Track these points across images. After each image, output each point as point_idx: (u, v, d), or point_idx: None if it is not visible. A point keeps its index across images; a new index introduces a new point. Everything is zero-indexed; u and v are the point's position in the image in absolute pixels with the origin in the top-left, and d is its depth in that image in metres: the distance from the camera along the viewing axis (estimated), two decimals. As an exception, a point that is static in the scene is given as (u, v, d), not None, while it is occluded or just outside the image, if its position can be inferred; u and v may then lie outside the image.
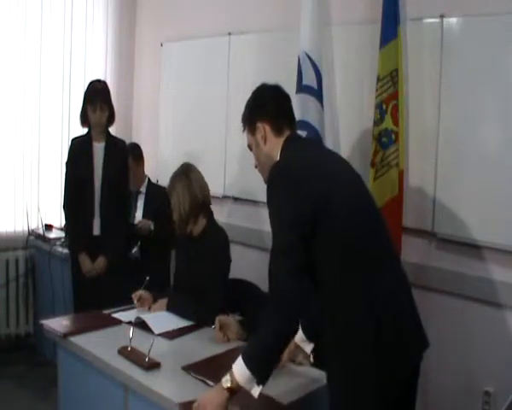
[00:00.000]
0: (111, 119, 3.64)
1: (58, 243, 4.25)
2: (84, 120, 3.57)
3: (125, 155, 3.77)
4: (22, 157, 4.52)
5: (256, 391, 1.81)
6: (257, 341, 1.87)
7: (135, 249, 3.90)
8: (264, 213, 4.05)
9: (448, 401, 3.14)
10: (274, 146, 2.09)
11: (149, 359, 2.27)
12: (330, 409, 1.93)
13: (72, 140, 3.67)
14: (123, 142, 3.78)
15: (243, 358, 1.82)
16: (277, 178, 1.97)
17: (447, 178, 3.09)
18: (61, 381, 2.72)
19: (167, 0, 4.90)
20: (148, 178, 4.24)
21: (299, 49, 3.41)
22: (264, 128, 2.10)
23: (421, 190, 3.18)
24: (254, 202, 4.01)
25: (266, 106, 2.14)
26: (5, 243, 4.45)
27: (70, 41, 4.74)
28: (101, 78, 4.91)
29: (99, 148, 3.58)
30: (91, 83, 3.64)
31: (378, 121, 3.12)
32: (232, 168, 4.18)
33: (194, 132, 4.59)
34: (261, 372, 1.82)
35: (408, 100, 3.18)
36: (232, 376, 1.82)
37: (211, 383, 2.13)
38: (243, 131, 2.23)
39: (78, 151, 3.56)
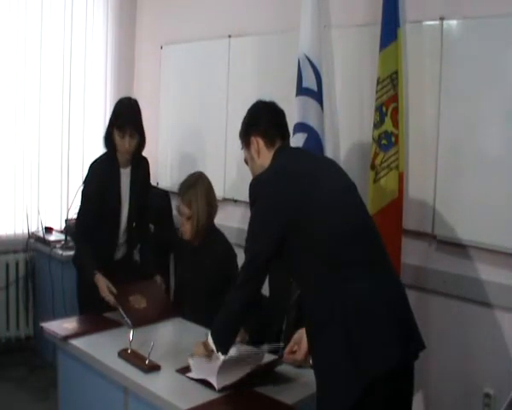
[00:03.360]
0: (141, 145, 3.13)
1: (58, 245, 4.24)
2: (110, 143, 3.07)
3: (148, 174, 3.32)
4: (22, 160, 4.52)
5: (220, 356, 2.18)
6: (216, 323, 2.21)
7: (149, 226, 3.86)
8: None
9: (448, 403, 3.13)
10: (266, 158, 2.23)
11: (149, 361, 2.28)
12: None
13: (94, 164, 3.15)
14: (146, 160, 3.27)
15: (211, 331, 2.21)
16: (254, 191, 2.12)
17: (447, 180, 3.09)
18: (60, 383, 2.73)
19: (167, 2, 4.91)
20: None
21: (299, 51, 3.41)
22: (257, 142, 2.24)
23: (421, 192, 3.18)
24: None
25: (259, 120, 2.28)
26: (5, 245, 4.45)
27: (70, 44, 4.74)
28: (102, 81, 4.97)
29: (125, 174, 3.13)
30: (120, 102, 3.14)
31: (378, 124, 3.11)
32: (232, 170, 4.18)
33: (194, 135, 4.59)
34: (219, 347, 2.17)
35: (408, 102, 3.18)
36: (208, 341, 2.21)
37: (212, 382, 2.14)
38: (241, 148, 2.36)
39: (104, 179, 3.08)
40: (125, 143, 3.00)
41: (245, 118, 2.35)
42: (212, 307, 2.81)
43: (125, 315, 2.79)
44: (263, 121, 2.26)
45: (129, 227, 3.19)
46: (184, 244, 3.11)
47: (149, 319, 2.83)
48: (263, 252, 2.06)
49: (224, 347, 2.18)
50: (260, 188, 2.11)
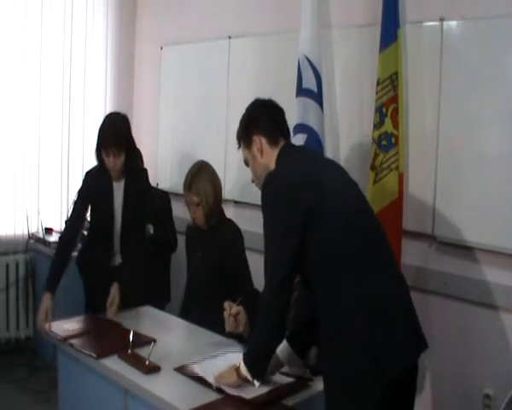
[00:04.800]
0: (132, 159, 3.13)
1: (58, 246, 4.25)
2: (100, 159, 3.08)
3: (145, 187, 3.29)
4: (22, 161, 4.53)
5: (256, 383, 2.09)
6: (249, 346, 2.13)
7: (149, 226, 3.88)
8: (265, 216, 4.01)
9: (448, 404, 3.14)
10: (270, 157, 2.18)
11: (149, 362, 2.27)
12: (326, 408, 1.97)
13: (88, 173, 3.20)
14: (142, 173, 3.29)
15: (243, 357, 2.10)
16: (270, 189, 2.06)
17: (447, 181, 3.09)
18: (61, 384, 2.73)
19: (167, 4, 4.91)
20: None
21: (299, 52, 3.41)
22: (260, 140, 2.19)
23: (420, 193, 3.18)
24: (255, 206, 4.00)
25: (261, 119, 2.23)
26: (5, 246, 4.46)
27: (70, 45, 4.75)
28: (102, 82, 4.97)
29: (118, 187, 3.13)
30: (106, 119, 3.14)
31: (378, 124, 3.12)
32: (232, 172, 4.18)
33: (194, 136, 4.59)
34: (253, 372, 2.08)
35: (408, 103, 3.19)
36: (240, 369, 2.10)
37: (210, 380, 2.14)
38: (238, 148, 2.30)
39: (97, 191, 3.11)
40: (109, 163, 3.02)
41: (244, 117, 2.29)
42: (221, 291, 2.88)
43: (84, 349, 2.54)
44: (264, 120, 2.22)
45: (123, 237, 3.17)
46: (195, 231, 3.17)
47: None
48: (287, 254, 1.96)
49: (258, 373, 2.07)
50: (274, 188, 2.05)
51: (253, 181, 2.29)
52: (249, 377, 2.07)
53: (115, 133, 3.03)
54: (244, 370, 2.08)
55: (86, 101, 4.89)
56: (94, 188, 3.12)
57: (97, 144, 3.06)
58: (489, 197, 2.93)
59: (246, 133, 2.24)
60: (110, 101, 5.00)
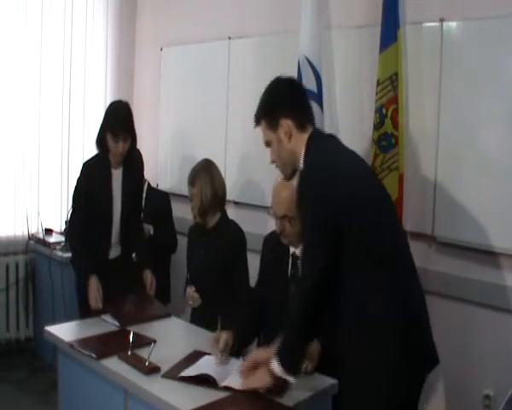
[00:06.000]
0: (133, 145, 3.22)
1: (58, 247, 4.25)
2: (102, 146, 3.16)
3: (141, 175, 3.46)
4: (22, 161, 4.53)
5: (290, 379, 1.98)
6: (282, 339, 1.99)
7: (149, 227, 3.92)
8: (264, 216, 4.03)
9: (448, 404, 3.14)
10: (298, 142, 2.08)
11: (149, 363, 2.27)
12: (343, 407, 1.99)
13: (86, 164, 3.27)
14: (138, 162, 3.42)
15: (275, 354, 1.98)
16: (310, 178, 1.99)
17: (447, 181, 3.09)
18: (61, 385, 2.72)
19: (167, 4, 4.91)
20: (148, 183, 4.24)
21: (299, 52, 3.42)
22: (287, 124, 2.08)
23: (420, 193, 3.18)
24: (254, 206, 4.01)
25: (287, 101, 2.12)
26: (5, 247, 4.46)
27: (70, 46, 4.75)
28: (102, 82, 4.98)
29: (117, 175, 3.21)
30: (113, 106, 3.28)
31: (378, 125, 3.12)
32: (232, 172, 4.18)
33: (194, 137, 4.59)
34: (287, 367, 1.96)
35: (408, 104, 3.18)
36: (271, 367, 1.99)
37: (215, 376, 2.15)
38: (255, 126, 2.19)
39: (95, 180, 3.17)
40: (118, 148, 3.10)
41: (268, 96, 2.15)
42: (220, 291, 2.99)
43: (112, 317, 2.81)
44: (291, 102, 2.11)
45: (122, 227, 3.23)
46: (197, 231, 3.21)
47: (138, 319, 2.83)
48: (324, 248, 1.91)
49: (292, 369, 1.97)
50: (313, 180, 1.97)
51: (273, 162, 2.19)
52: (284, 374, 1.97)
53: (126, 118, 3.17)
54: (278, 369, 1.97)
55: (86, 101, 4.89)
56: (92, 176, 3.18)
57: (103, 130, 3.13)
58: (489, 197, 2.93)
59: (271, 115, 2.11)
60: (110, 101, 4.97)
